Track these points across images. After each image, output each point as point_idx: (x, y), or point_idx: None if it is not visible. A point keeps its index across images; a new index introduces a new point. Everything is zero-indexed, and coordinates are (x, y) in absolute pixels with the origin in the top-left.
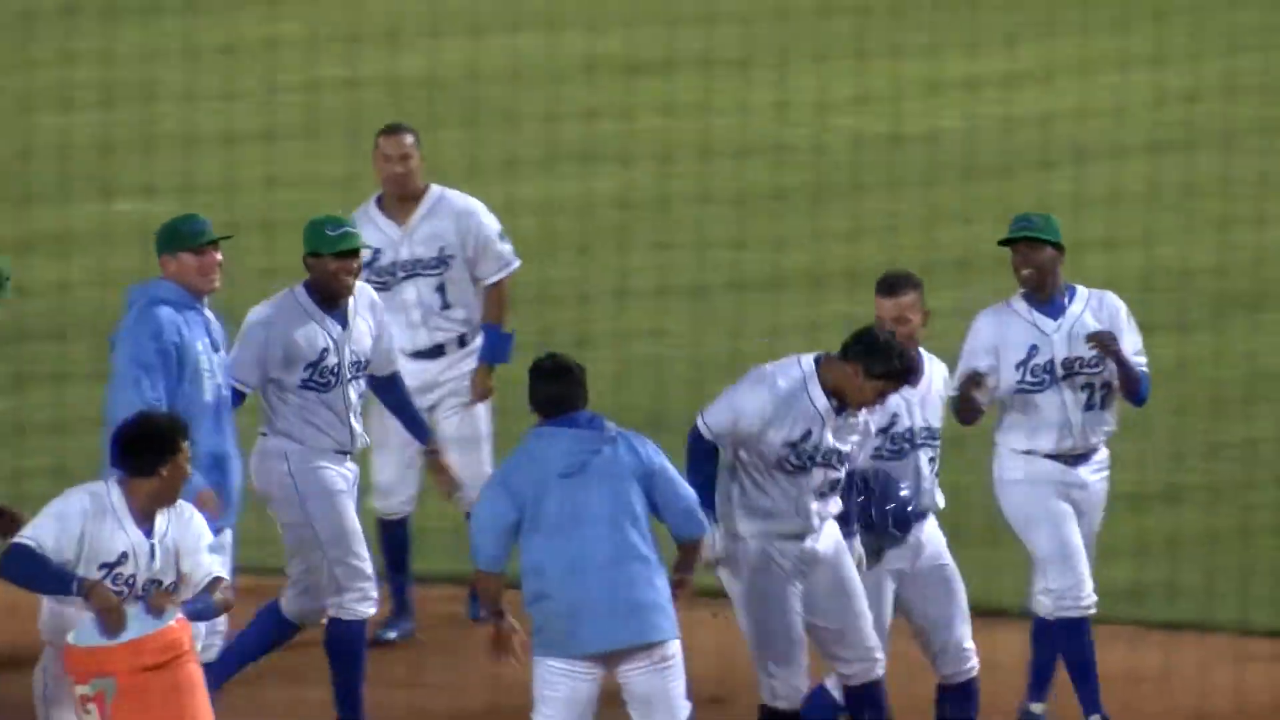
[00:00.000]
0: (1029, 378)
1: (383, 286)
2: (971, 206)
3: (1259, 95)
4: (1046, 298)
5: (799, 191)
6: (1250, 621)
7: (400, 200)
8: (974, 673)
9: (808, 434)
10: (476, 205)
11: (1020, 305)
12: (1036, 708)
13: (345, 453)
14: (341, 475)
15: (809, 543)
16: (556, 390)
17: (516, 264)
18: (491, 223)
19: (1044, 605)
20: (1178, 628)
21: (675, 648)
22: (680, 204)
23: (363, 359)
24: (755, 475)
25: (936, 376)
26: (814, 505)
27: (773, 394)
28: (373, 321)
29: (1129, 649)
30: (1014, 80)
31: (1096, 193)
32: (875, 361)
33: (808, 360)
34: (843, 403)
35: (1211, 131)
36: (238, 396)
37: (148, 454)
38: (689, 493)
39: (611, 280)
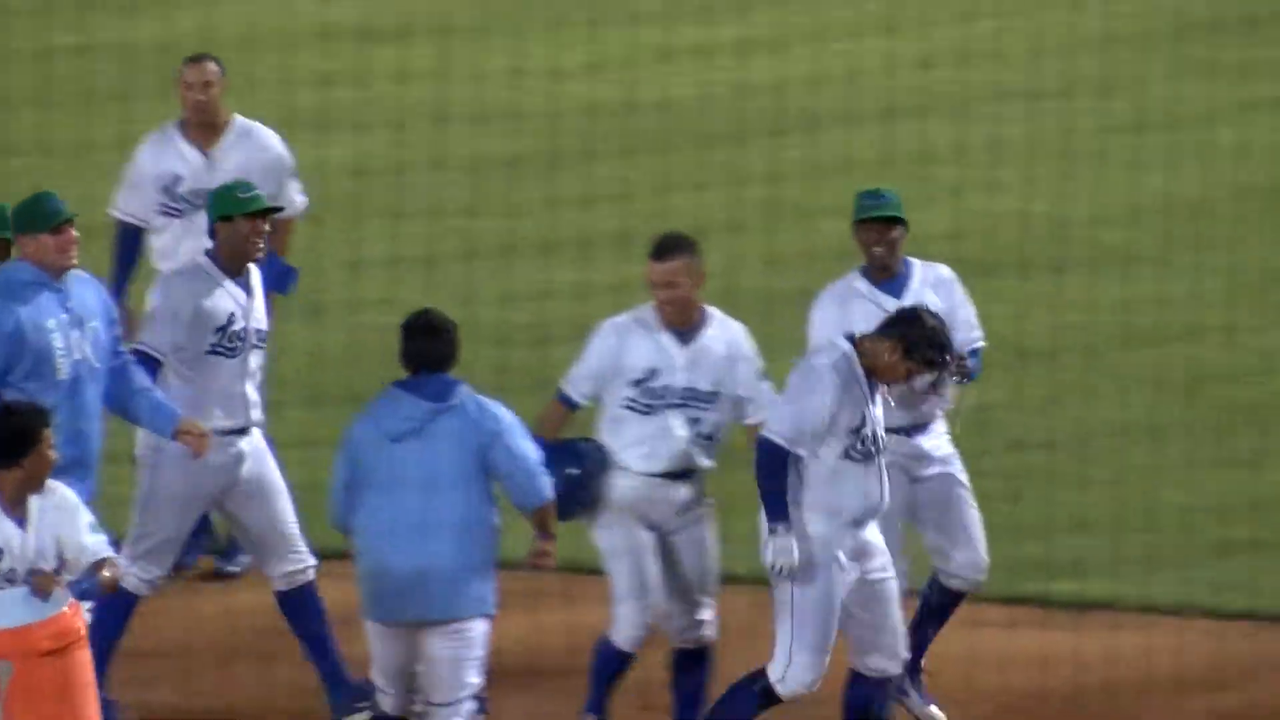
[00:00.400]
0: None
1: (178, 213)
2: (704, 173)
3: (991, 61)
4: (891, 276)
5: (533, 159)
6: (985, 589)
7: (203, 128)
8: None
9: (863, 418)
10: (280, 140)
11: (861, 284)
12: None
13: (239, 430)
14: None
15: (864, 533)
16: (418, 347)
17: (305, 203)
18: (290, 160)
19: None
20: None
21: (472, 624)
22: (414, 171)
23: (264, 328)
24: (824, 470)
25: (719, 340)
26: (878, 492)
27: (831, 383)
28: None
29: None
30: (747, 47)
31: (830, 160)
32: (918, 345)
33: (843, 342)
34: (873, 380)
35: (944, 98)
36: (153, 364)
37: (9, 445)
38: (529, 461)
39: (345, 250)
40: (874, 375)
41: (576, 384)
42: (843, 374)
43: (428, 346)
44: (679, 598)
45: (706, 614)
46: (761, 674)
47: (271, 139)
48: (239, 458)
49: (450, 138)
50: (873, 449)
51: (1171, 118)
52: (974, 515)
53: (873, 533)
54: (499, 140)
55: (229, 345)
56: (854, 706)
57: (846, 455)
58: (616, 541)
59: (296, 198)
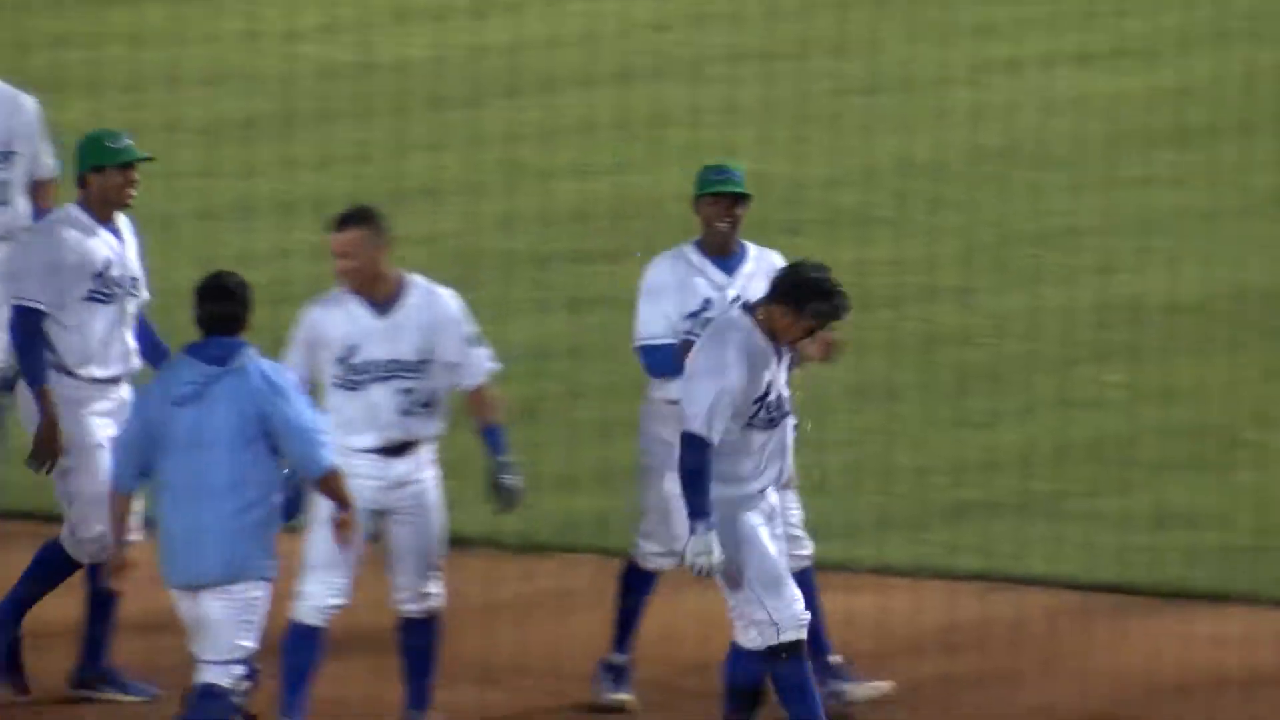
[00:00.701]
0: (697, 332)
1: None
2: (441, 135)
3: (727, 23)
4: (727, 253)
5: (268, 120)
6: None
7: None
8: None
9: (769, 385)
10: (35, 103)
11: (695, 256)
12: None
13: (114, 379)
14: (106, 417)
15: (770, 501)
16: (206, 310)
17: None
18: (44, 123)
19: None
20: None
21: (245, 587)
22: (149, 134)
23: (137, 276)
24: (730, 440)
25: (422, 307)
26: (789, 460)
27: (738, 356)
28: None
29: (596, 573)
30: (482, 8)
31: (567, 122)
32: (806, 299)
33: (738, 313)
34: (777, 345)
35: (680, 60)
36: (36, 316)
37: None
38: (306, 430)
39: None
40: (775, 340)
41: (291, 362)
42: (748, 348)
43: (215, 309)
44: (405, 570)
45: (433, 586)
46: (751, 654)
47: (28, 102)
48: (123, 405)
49: (184, 100)
50: (776, 415)
51: (906, 79)
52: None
53: (775, 503)
54: (234, 101)
55: (105, 291)
56: (739, 682)
57: (750, 424)
58: (322, 511)
59: (49, 161)
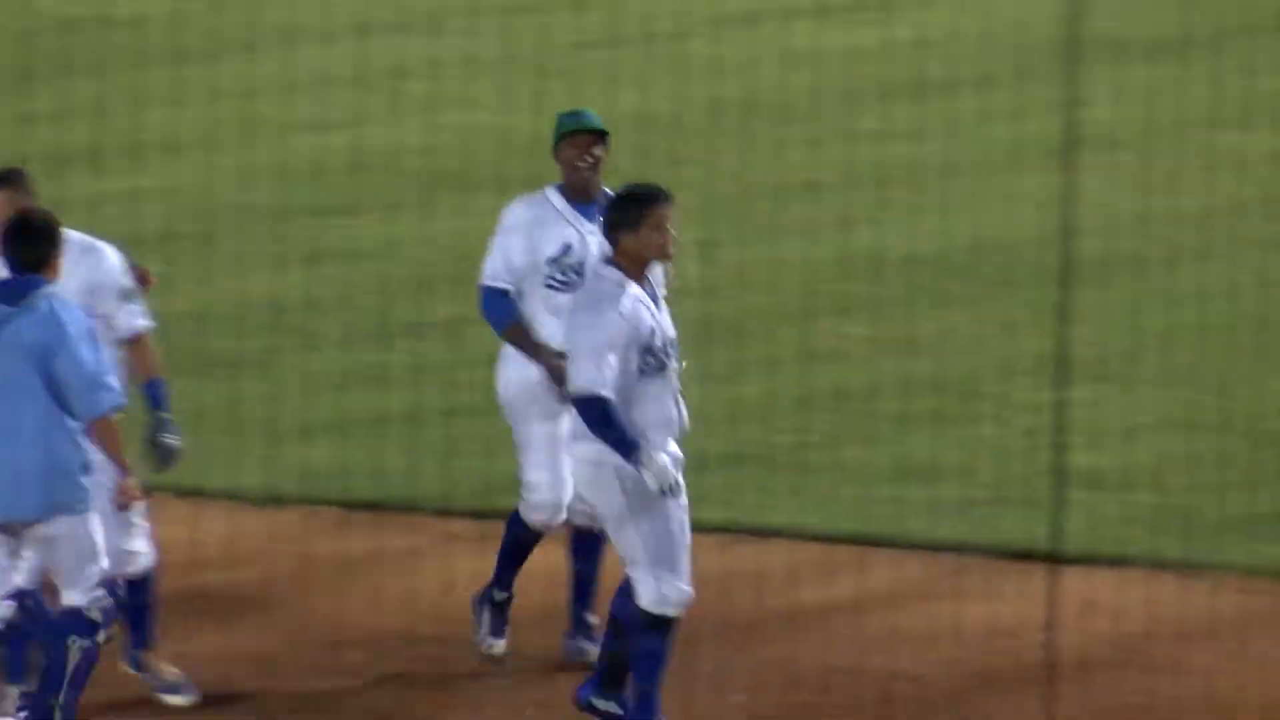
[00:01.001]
0: (558, 276)
1: None
2: (179, 89)
3: None
4: (589, 198)
5: (3, 74)
6: (452, 501)
7: None
8: None
9: (652, 330)
10: None
11: (558, 200)
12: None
13: None
14: None
15: (675, 449)
16: (7, 249)
17: None
18: None
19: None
20: (382, 508)
21: (63, 523)
22: None
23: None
24: (625, 395)
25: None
26: (681, 407)
27: (612, 306)
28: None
29: (336, 534)
30: None
31: (304, 76)
32: (630, 212)
33: (605, 267)
34: (642, 278)
35: (419, 12)
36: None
37: None
38: (87, 371)
39: None
40: (641, 275)
41: None
42: (621, 296)
43: (16, 248)
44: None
45: (139, 544)
46: (644, 618)
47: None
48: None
49: None
50: (666, 360)
51: (646, 33)
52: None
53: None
54: None
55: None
56: (623, 615)
57: (642, 373)
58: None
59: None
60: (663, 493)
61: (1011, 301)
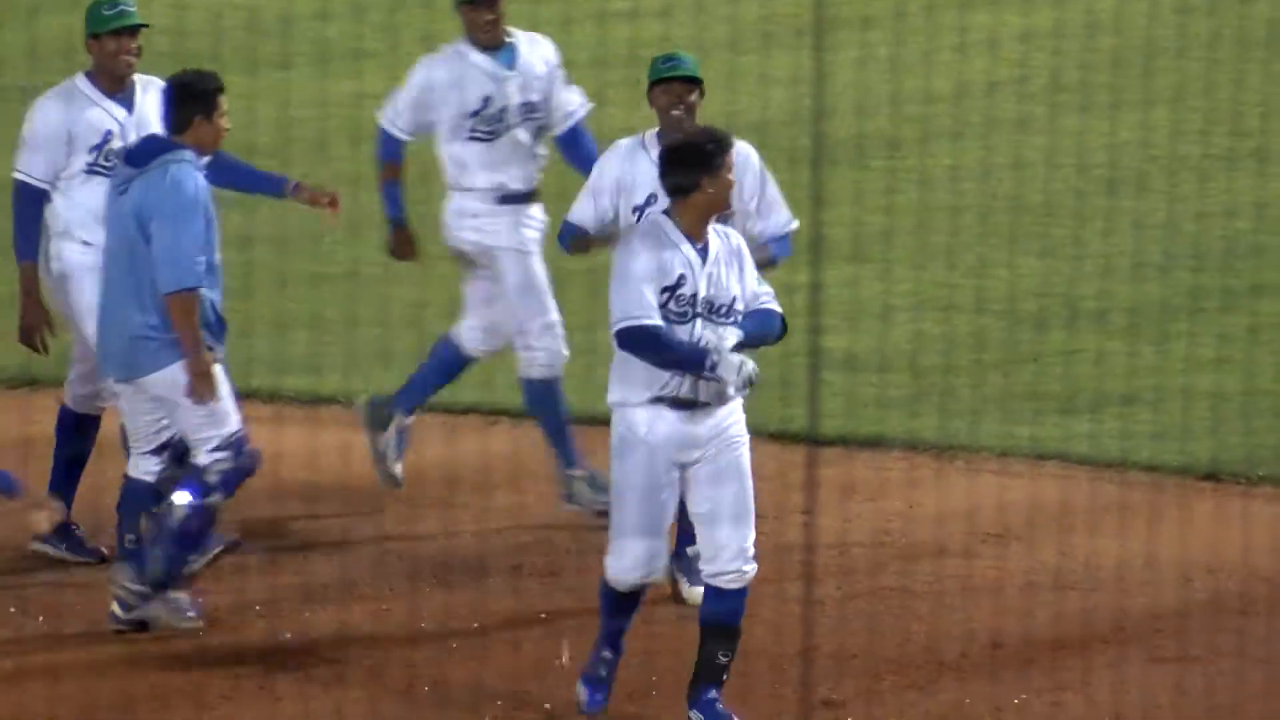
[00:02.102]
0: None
1: None
2: None
3: None
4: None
5: None
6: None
7: None
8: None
9: (681, 278)
10: None
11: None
12: None
13: None
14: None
15: (692, 424)
16: (162, 110)
17: None
18: None
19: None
20: None
21: (152, 380)
22: None
23: None
24: None
25: None
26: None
27: (647, 248)
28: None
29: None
30: None
31: None
32: (694, 164)
33: (660, 216)
34: (699, 233)
35: None
36: (36, 194)
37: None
38: (166, 245)
39: None
40: (699, 229)
41: None
42: (653, 236)
43: (164, 108)
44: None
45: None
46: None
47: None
48: None
49: None
50: (689, 309)
51: None
52: None
53: (709, 420)
54: None
55: (105, 165)
56: (713, 622)
57: (664, 316)
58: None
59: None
60: (748, 385)
61: None
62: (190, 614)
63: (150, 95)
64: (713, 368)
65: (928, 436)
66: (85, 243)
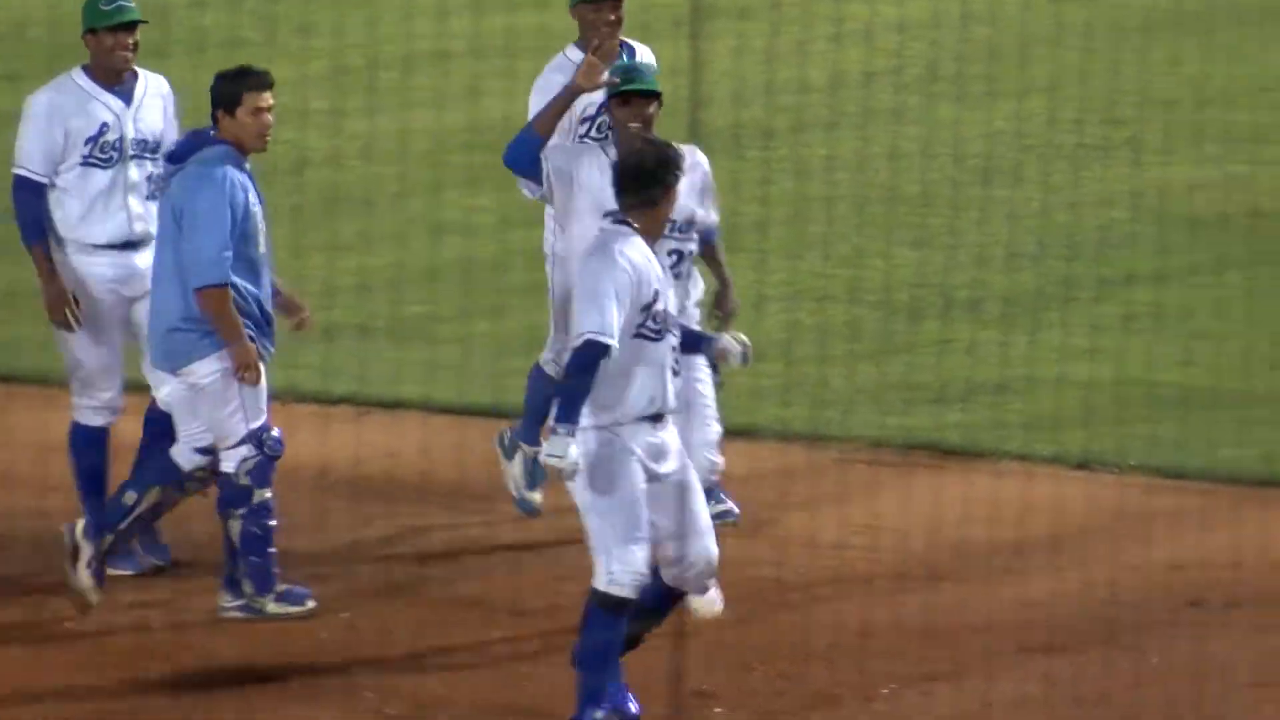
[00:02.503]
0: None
1: None
2: None
3: None
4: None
5: None
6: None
7: None
8: None
9: (656, 294)
10: None
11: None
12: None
13: (125, 244)
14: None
15: (660, 434)
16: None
17: None
18: None
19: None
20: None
21: (186, 371)
22: None
23: (149, 138)
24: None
25: None
26: (670, 382)
27: (624, 259)
28: (165, 106)
29: None
30: None
31: None
32: (653, 178)
33: (615, 225)
34: (656, 242)
35: None
36: (35, 187)
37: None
38: (194, 244)
39: None
40: (655, 238)
41: None
42: (632, 252)
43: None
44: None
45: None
46: (593, 593)
47: None
48: (131, 271)
49: None
50: (663, 326)
51: None
52: None
53: (669, 432)
54: None
55: (101, 156)
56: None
57: (637, 335)
58: None
59: None
60: (552, 469)
61: None
62: (308, 602)
63: (152, 89)
64: (552, 432)
65: (799, 427)
66: (88, 245)
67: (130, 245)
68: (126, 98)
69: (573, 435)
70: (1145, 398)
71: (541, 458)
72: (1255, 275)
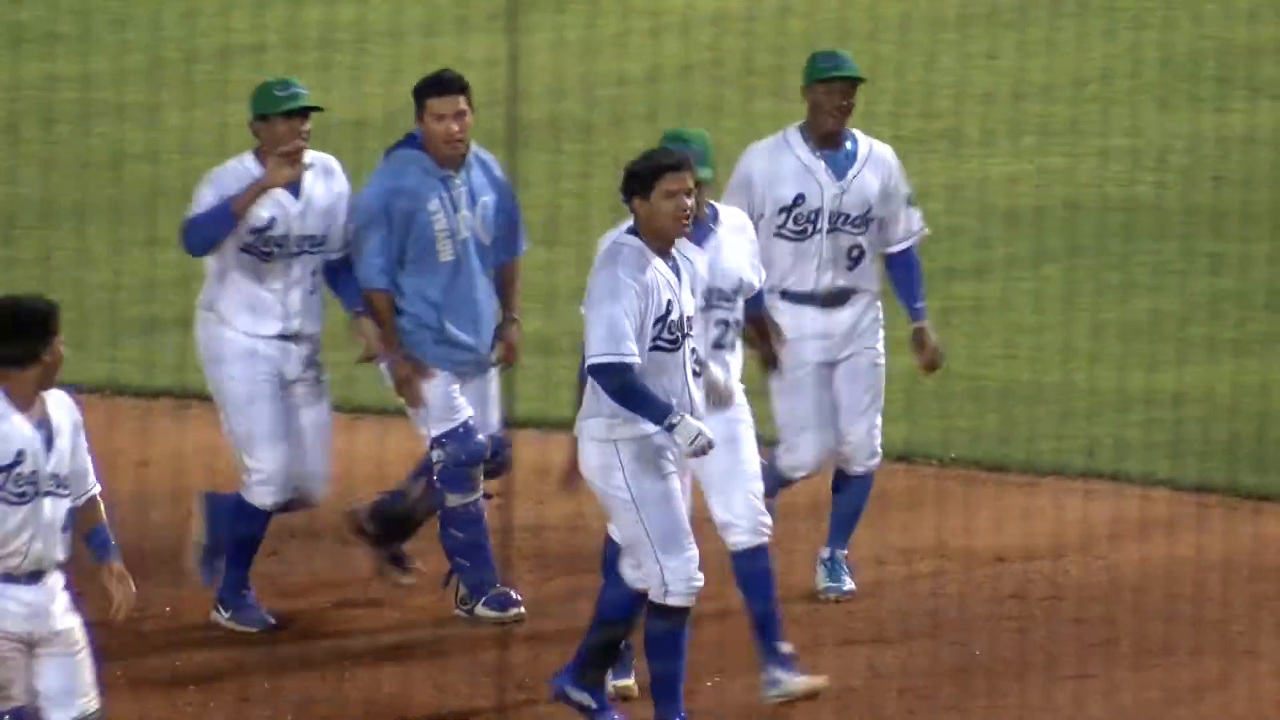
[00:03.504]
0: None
1: None
2: None
3: None
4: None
5: None
6: None
7: None
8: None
9: (669, 304)
10: None
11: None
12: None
13: (287, 336)
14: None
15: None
16: None
17: None
18: None
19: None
20: None
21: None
22: None
23: (317, 234)
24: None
25: None
26: (693, 386)
27: (631, 276)
28: (331, 194)
29: None
30: None
31: None
32: (645, 176)
33: (621, 234)
34: (666, 251)
35: None
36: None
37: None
38: (354, 249)
39: None
40: (665, 247)
41: None
42: (637, 265)
43: None
44: None
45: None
46: (652, 607)
47: None
48: (286, 355)
49: None
50: (679, 335)
51: None
52: None
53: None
54: None
55: (264, 249)
56: (607, 614)
57: (654, 347)
58: None
59: None
60: (696, 454)
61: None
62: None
63: (321, 179)
64: (670, 428)
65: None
66: (237, 327)
67: None
68: (295, 190)
69: (682, 414)
70: (966, 391)
71: (685, 450)
72: (1073, 267)
